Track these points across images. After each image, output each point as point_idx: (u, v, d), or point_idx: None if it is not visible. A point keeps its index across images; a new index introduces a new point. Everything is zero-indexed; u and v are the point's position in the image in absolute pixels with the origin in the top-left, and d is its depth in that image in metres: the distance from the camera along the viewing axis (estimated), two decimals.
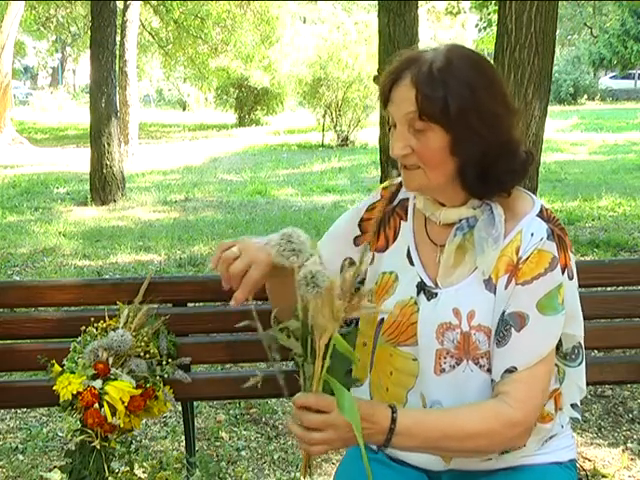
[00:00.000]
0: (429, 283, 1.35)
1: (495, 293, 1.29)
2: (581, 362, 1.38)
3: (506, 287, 1.28)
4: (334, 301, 1.12)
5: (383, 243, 1.44)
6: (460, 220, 1.33)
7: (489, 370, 1.29)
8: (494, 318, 1.28)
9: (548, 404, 1.35)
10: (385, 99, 1.32)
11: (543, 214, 1.32)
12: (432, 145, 1.27)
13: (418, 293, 1.35)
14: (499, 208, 1.31)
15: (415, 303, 1.35)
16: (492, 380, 1.29)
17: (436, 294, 1.33)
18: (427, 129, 1.26)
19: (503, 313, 1.28)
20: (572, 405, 1.41)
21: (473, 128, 1.25)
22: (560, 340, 1.33)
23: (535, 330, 1.26)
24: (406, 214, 1.43)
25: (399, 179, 1.47)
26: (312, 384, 1.17)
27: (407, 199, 1.45)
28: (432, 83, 1.24)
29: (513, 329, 1.26)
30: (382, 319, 1.38)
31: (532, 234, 1.28)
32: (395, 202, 1.46)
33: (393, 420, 1.20)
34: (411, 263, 1.38)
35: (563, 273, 1.28)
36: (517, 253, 1.28)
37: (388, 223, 1.44)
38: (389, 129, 1.35)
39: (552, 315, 1.26)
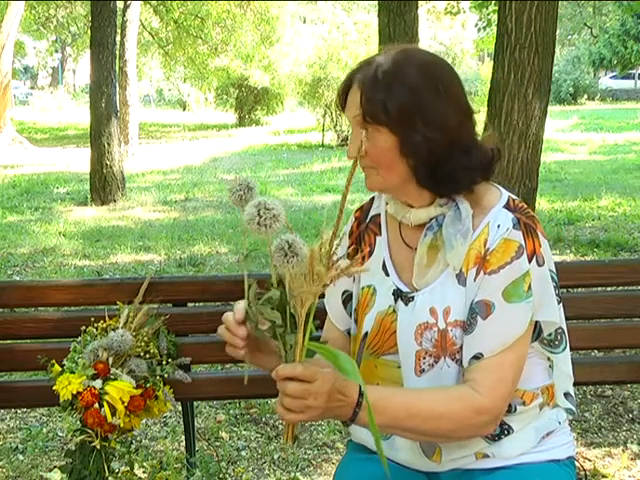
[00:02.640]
0: (405, 289, 1.37)
1: (466, 286, 1.30)
2: (565, 347, 1.39)
3: (475, 279, 1.30)
4: (314, 268, 1.10)
5: (361, 260, 1.45)
6: (430, 220, 1.34)
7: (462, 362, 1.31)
8: (467, 311, 1.30)
9: (544, 395, 1.36)
10: (342, 104, 1.37)
11: (510, 205, 1.33)
12: (380, 146, 1.30)
13: (396, 300, 1.37)
14: (465, 203, 1.32)
15: (394, 311, 1.37)
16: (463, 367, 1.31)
17: (413, 297, 1.35)
18: (374, 131, 1.30)
19: (472, 302, 1.30)
20: (565, 395, 1.41)
21: (417, 129, 1.27)
22: (540, 328, 1.34)
23: (500, 318, 1.27)
24: (379, 229, 1.45)
25: (368, 197, 1.51)
26: (295, 354, 1.16)
27: (379, 215, 1.47)
28: (375, 86, 1.29)
29: (479, 317, 1.28)
30: (366, 333, 1.40)
31: (499, 225, 1.30)
32: (367, 219, 1.48)
33: (361, 394, 1.21)
34: (387, 274, 1.40)
35: (531, 260, 1.29)
36: (485, 245, 1.30)
37: (363, 240, 1.47)
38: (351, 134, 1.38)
39: (517, 303, 1.28)
